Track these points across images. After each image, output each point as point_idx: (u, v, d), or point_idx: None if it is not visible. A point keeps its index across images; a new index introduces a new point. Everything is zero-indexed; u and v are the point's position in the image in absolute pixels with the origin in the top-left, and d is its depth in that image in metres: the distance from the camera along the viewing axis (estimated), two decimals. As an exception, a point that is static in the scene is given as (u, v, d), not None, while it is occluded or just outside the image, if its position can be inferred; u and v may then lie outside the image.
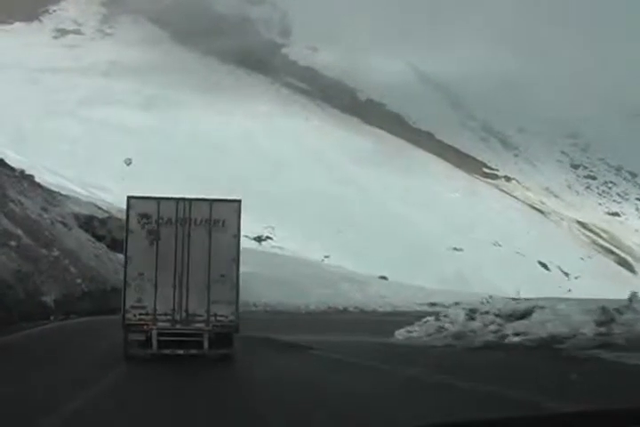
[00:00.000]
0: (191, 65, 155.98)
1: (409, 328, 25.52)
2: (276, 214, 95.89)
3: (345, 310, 60.13)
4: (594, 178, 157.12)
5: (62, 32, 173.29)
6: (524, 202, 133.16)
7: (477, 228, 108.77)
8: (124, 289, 16.99)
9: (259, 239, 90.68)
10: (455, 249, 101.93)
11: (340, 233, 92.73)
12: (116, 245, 40.62)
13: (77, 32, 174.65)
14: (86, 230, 48.21)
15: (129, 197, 17.55)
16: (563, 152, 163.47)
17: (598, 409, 2.80)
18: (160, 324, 16.65)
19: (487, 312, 21.98)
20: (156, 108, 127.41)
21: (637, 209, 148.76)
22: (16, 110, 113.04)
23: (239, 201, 17.55)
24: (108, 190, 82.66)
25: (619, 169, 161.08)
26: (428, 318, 25.58)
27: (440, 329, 23.50)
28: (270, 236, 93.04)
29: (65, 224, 44.23)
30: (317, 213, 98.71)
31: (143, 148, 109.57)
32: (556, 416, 2.82)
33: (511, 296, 78.88)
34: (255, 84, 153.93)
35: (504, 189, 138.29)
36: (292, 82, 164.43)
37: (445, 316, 25.10)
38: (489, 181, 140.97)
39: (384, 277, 76.63)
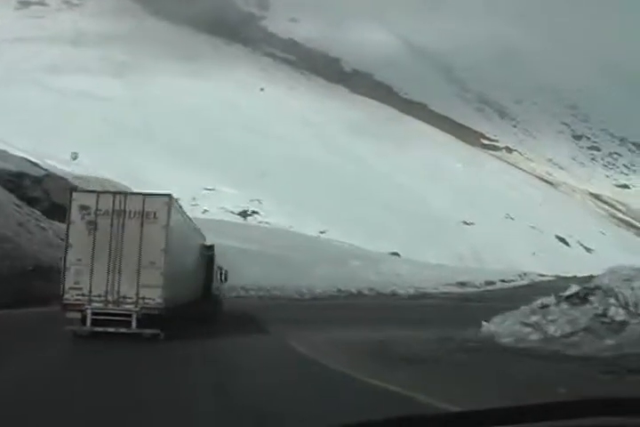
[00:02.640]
0: (165, 34, 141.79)
1: (521, 317, 16.21)
2: (263, 187, 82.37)
3: (360, 294, 46.68)
4: (598, 149, 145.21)
5: (25, 4, 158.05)
6: (531, 173, 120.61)
7: (486, 200, 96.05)
8: (64, 273, 18.14)
9: (244, 214, 77.21)
10: (465, 223, 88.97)
11: (343, 206, 79.03)
12: (57, 212, 31.84)
13: (41, 3, 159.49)
14: (12, 191, 34.71)
15: (71, 190, 19.76)
16: (563, 123, 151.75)
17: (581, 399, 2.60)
18: (94, 304, 17.83)
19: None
20: (127, 76, 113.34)
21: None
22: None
23: (169, 195, 18.52)
24: (67, 162, 69.56)
25: (622, 140, 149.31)
26: (549, 300, 16.33)
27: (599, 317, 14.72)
28: (257, 210, 79.22)
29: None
30: (311, 185, 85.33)
31: (113, 116, 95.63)
32: (535, 407, 2.56)
33: (538, 273, 66.68)
34: (234, 53, 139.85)
35: (507, 160, 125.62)
36: (273, 52, 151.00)
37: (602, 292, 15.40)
38: (490, 152, 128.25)
39: (396, 254, 63.94)
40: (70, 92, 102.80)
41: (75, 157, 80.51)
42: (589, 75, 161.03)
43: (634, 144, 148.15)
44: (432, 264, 59.82)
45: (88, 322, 17.55)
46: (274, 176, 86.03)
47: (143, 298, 17.70)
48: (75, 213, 18.01)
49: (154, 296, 17.68)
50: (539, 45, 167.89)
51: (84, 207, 18.10)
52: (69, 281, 17.90)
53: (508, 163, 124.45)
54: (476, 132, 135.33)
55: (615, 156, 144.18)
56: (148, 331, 17.63)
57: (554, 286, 29.25)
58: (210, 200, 77.74)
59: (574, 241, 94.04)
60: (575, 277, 66.29)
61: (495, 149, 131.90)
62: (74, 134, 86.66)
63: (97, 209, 18.00)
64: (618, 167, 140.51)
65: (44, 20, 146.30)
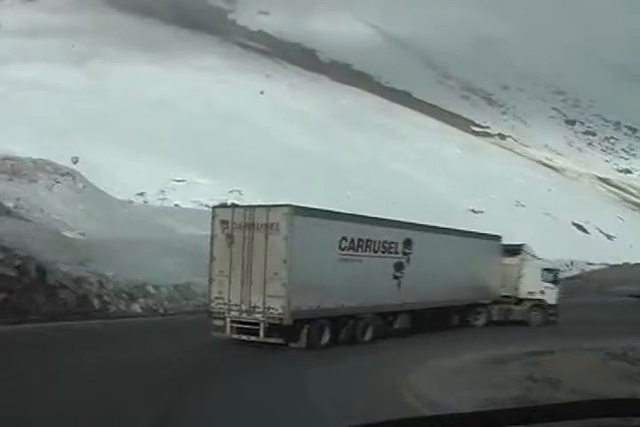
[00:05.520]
0: (128, 26, 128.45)
1: None
2: (243, 176, 69.67)
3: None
4: (593, 134, 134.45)
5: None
6: (532, 159, 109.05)
7: (492, 187, 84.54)
8: (210, 283, 19.57)
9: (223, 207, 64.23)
10: (474, 211, 76.95)
11: (338, 196, 66.38)
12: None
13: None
14: None
15: (213, 207, 21.37)
16: (554, 108, 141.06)
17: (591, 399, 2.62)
18: (232, 313, 18.88)
19: None
20: (87, 65, 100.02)
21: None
22: None
23: (290, 206, 18.68)
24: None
25: (617, 124, 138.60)
26: None
27: None
28: (237, 202, 66.13)
29: None
30: (299, 175, 72.84)
31: (72, 106, 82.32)
32: (543, 408, 2.59)
33: (565, 262, 57.02)
34: (202, 43, 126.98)
35: (505, 146, 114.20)
36: (244, 41, 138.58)
37: None
38: (484, 138, 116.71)
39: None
40: (22, 81, 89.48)
41: (75, 161, 68.15)
42: (568, 59, 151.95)
43: (629, 128, 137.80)
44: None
45: (227, 330, 18.87)
46: (255, 165, 73.52)
47: (269, 308, 18.41)
48: (217, 228, 19.35)
49: (277, 306, 18.35)
50: (516, 31, 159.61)
51: (223, 222, 19.18)
52: (214, 291, 19.45)
53: (506, 148, 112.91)
54: (465, 119, 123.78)
55: (612, 140, 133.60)
56: (272, 340, 18.28)
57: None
58: (181, 193, 65.03)
59: (592, 228, 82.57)
60: (628, 264, 54.96)
61: (488, 135, 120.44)
62: (26, 124, 73.71)
63: (232, 223, 19.01)
64: (617, 152, 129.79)
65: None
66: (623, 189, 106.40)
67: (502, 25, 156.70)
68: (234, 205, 21.22)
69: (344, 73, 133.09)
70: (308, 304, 18.95)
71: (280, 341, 18.17)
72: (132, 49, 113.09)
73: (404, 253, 22.86)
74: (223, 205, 21.87)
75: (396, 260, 22.63)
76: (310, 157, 79.95)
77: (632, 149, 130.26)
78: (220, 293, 19.05)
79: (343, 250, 20.46)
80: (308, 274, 18.83)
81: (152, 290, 25.87)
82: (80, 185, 40.24)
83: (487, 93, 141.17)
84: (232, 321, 18.70)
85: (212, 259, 19.32)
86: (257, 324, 18.37)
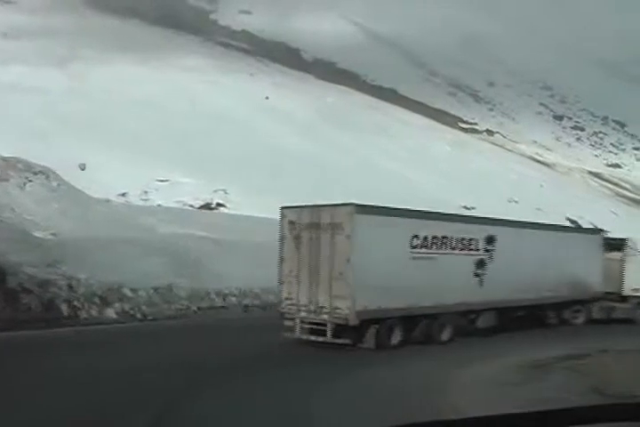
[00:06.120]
0: (109, 27, 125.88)
1: None
2: (228, 176, 67.07)
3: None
4: (582, 129, 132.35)
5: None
6: (522, 155, 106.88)
7: (483, 183, 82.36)
8: (280, 284, 19.54)
9: (207, 207, 61.56)
10: (466, 208, 74.65)
11: (328, 195, 63.91)
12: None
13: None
14: None
15: (282, 208, 20.23)
16: (541, 104, 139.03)
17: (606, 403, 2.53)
18: (301, 314, 18.79)
19: None
20: (68, 67, 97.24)
21: (638, 160, 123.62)
22: None
23: (353, 204, 18.51)
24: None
25: (605, 119, 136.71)
26: None
27: None
28: (222, 202, 63.59)
29: None
30: (286, 174, 70.37)
31: (53, 107, 79.58)
32: (561, 411, 2.55)
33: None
34: (185, 43, 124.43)
35: (494, 142, 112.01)
36: (227, 41, 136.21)
37: None
38: (472, 135, 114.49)
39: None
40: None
41: (83, 167, 65.44)
42: (556, 56, 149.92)
43: (617, 123, 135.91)
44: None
45: (297, 330, 18.82)
46: (240, 164, 70.95)
47: (335, 308, 18.22)
48: (285, 229, 19.34)
49: (343, 306, 18.09)
50: (501, 28, 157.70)
51: (291, 222, 19.18)
52: (284, 292, 19.37)
53: (496, 144, 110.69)
54: (453, 116, 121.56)
55: (601, 135, 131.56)
56: (340, 341, 18.05)
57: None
58: (164, 193, 62.15)
59: (586, 222, 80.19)
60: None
61: (476, 132, 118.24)
62: (4, 125, 70.88)
63: (299, 223, 19.01)
64: (605, 147, 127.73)
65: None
66: (615, 184, 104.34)
67: (489, 22, 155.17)
68: (300, 206, 19.89)
69: (329, 72, 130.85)
70: (376, 304, 18.59)
71: (348, 341, 17.96)
72: (113, 50, 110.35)
73: (487, 250, 22.18)
74: (290, 207, 20.22)
75: (477, 257, 21.94)
76: (297, 156, 77.57)
77: (621, 144, 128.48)
78: (289, 293, 19.12)
79: (415, 248, 19.89)
80: (375, 273, 18.42)
81: (129, 293, 23.24)
82: (54, 184, 37.67)
83: (474, 90, 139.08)
84: (301, 322, 18.68)
85: (281, 260, 19.39)
86: (324, 324, 18.29)
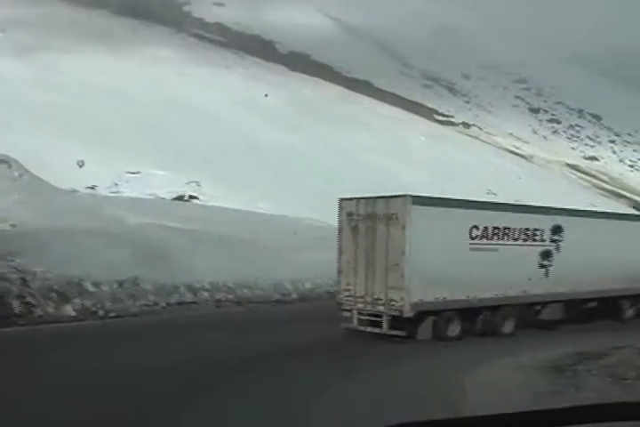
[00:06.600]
0: (76, 18, 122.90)
1: None
2: (202, 168, 64.88)
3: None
4: (558, 122, 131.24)
5: None
6: (499, 147, 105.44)
7: (461, 175, 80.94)
8: (338, 275, 19.66)
9: (180, 200, 59.31)
10: (444, 200, 73.03)
11: (304, 188, 61.90)
12: None
13: None
14: None
15: (340, 199, 20.31)
16: (517, 97, 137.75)
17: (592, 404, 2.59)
18: (358, 305, 18.81)
19: None
20: (32, 56, 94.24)
21: (614, 152, 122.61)
22: None
23: (408, 196, 18.32)
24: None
25: (580, 111, 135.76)
26: None
27: None
28: (195, 195, 61.34)
29: None
30: (263, 166, 68.29)
31: (14, 97, 76.62)
32: (550, 412, 2.55)
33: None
34: (156, 35, 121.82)
35: (470, 134, 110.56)
36: (200, 33, 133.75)
37: None
38: (449, 127, 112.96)
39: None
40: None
41: (81, 164, 62.90)
42: (531, 49, 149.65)
43: (593, 116, 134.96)
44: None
45: (355, 321, 18.87)
46: (214, 156, 68.75)
47: (390, 300, 18.13)
48: (343, 220, 19.46)
49: (397, 298, 17.97)
50: (476, 20, 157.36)
51: (349, 214, 19.30)
52: (342, 283, 19.41)
53: (472, 136, 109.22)
54: (429, 108, 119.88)
55: (577, 128, 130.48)
56: (395, 332, 17.88)
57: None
58: (135, 185, 59.79)
59: (566, 215, 79.26)
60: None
61: (452, 124, 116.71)
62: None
63: (357, 214, 19.01)
64: (582, 139, 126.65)
65: None
66: (593, 176, 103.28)
67: (464, 14, 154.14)
68: (357, 198, 19.63)
69: (304, 64, 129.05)
70: (432, 296, 18.41)
71: (403, 333, 17.83)
72: (82, 41, 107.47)
73: (553, 241, 21.62)
74: (348, 198, 20.05)
75: (542, 248, 21.41)
76: (272, 148, 75.54)
77: (597, 137, 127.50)
78: (347, 284, 19.13)
79: (474, 239, 19.55)
80: (432, 265, 18.22)
81: (90, 288, 21.08)
82: (16, 173, 35.41)
83: (450, 83, 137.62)
84: (358, 313, 18.66)
85: (340, 251, 19.40)
86: (380, 316, 18.25)
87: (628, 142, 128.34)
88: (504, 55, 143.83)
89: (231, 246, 28.53)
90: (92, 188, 58.89)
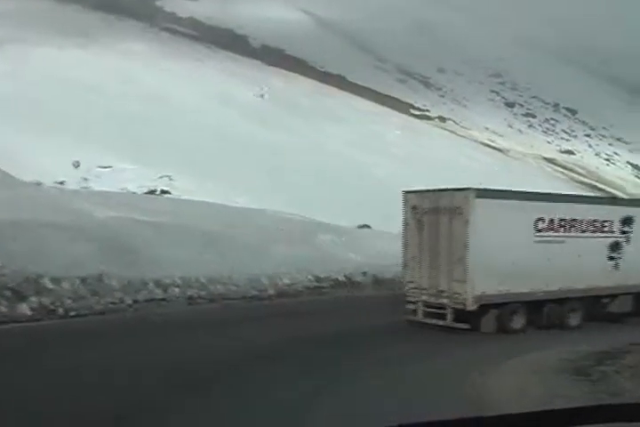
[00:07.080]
0: (48, 12, 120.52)
1: None
2: (174, 161, 63.24)
3: (351, 282, 28.50)
4: (533, 116, 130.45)
5: None
6: (475, 141, 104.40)
7: (437, 168, 79.35)
8: (403, 268, 19.81)
9: (152, 194, 57.59)
10: (422, 194, 71.76)
11: (277, 180, 60.40)
12: None
13: None
14: None
15: (405, 192, 20.10)
16: (492, 91, 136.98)
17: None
18: (423, 297, 18.80)
19: None
20: (6, 49, 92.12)
21: (590, 146, 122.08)
22: None
23: (471, 189, 18.26)
24: None
25: (556, 106, 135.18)
26: None
27: None
28: (167, 189, 59.67)
29: None
30: (236, 160, 66.74)
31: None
32: (549, 412, 2.51)
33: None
34: (128, 29, 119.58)
35: (446, 128, 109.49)
36: (172, 27, 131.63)
37: None
38: (424, 121, 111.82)
39: (366, 226, 46.33)
40: None
41: (77, 165, 60.88)
42: (506, 43, 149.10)
43: (568, 110, 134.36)
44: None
45: (419, 313, 18.88)
46: (187, 150, 67.05)
47: (454, 292, 18.04)
48: (408, 214, 19.33)
49: (461, 291, 17.87)
50: (451, 15, 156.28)
51: (414, 207, 19.16)
52: (407, 276, 19.48)
53: (448, 130, 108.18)
54: (404, 102, 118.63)
55: (552, 122, 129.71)
56: (459, 325, 17.89)
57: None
58: (106, 180, 58.12)
59: (545, 208, 78.48)
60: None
61: (428, 118, 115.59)
62: None
63: (422, 208, 18.94)
64: (557, 133, 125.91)
65: None
66: (570, 169, 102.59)
67: (439, 9, 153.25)
68: (421, 191, 19.78)
69: (278, 58, 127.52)
70: (496, 289, 18.29)
71: (467, 326, 17.84)
72: (54, 34, 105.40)
73: (623, 232, 21.20)
74: (412, 191, 20.01)
75: (611, 239, 20.98)
76: (246, 142, 74.08)
77: (572, 131, 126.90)
78: (412, 277, 19.19)
79: (540, 231, 19.30)
80: (496, 258, 18.05)
81: (49, 284, 19.43)
82: (-23, 166, 33.66)
83: (424, 77, 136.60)
84: (423, 305, 18.75)
85: (405, 245, 19.47)
86: (444, 308, 18.24)
87: (603, 136, 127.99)
88: (479, 50, 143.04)
89: (202, 240, 27.00)
90: (61, 183, 57.08)
